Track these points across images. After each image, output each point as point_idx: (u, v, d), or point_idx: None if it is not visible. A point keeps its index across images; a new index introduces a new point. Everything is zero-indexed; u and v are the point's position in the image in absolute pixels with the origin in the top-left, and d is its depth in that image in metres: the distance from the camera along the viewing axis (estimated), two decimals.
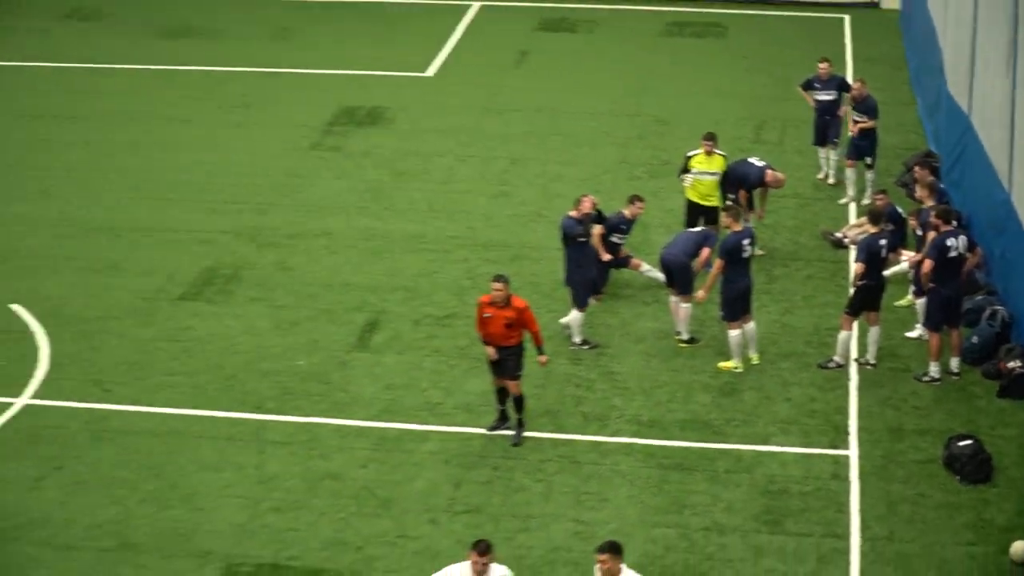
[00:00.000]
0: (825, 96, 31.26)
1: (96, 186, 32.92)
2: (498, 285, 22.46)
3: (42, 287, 28.56)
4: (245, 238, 30.35)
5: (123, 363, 25.97)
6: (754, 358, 25.39)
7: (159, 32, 42.62)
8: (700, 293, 25.41)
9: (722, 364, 25.33)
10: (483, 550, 17.22)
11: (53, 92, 38.40)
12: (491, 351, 22.67)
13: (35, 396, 25.00)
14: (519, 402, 23.09)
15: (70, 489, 22.57)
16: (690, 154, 28.81)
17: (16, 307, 27.82)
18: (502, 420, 23.43)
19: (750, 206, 27.96)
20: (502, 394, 23.19)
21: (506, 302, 22.49)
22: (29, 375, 25.59)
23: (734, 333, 25.06)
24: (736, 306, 24.96)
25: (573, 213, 25.86)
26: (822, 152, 31.92)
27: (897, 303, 26.61)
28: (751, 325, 25.25)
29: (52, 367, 25.85)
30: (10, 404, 24.71)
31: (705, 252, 25.60)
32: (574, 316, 25.81)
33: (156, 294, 28.25)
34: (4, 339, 26.79)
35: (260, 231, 30.61)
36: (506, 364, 22.77)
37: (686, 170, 28.67)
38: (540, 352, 23.18)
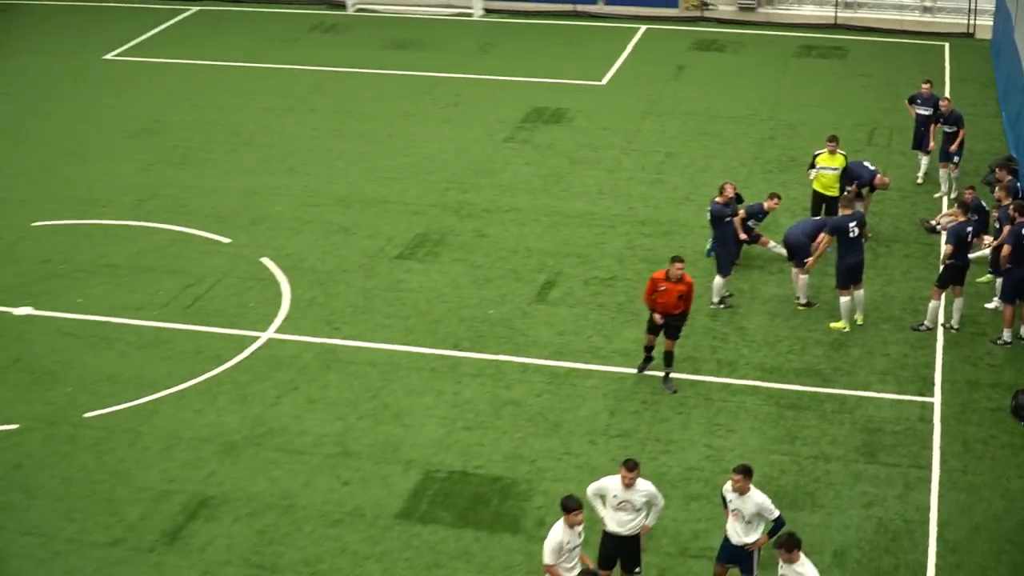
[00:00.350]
0: (924, 111, 30.77)
1: (333, 165, 33.27)
2: (680, 265, 22.44)
3: (287, 245, 28.94)
4: (450, 211, 30.49)
5: (349, 307, 26.32)
6: (859, 319, 25.17)
7: (386, 44, 42.96)
8: (808, 260, 25.32)
9: (833, 324, 25.12)
10: (631, 466, 17.32)
11: (300, 90, 38.87)
12: (658, 317, 22.60)
13: (278, 331, 25.45)
14: (670, 356, 23.08)
15: (303, 406, 23.04)
16: (817, 152, 28.51)
17: (265, 260, 28.24)
18: (647, 362, 23.45)
19: (859, 197, 27.62)
20: (670, 356, 23.16)
21: (681, 278, 22.44)
22: (273, 315, 26.04)
23: (844, 299, 24.87)
24: (846, 277, 24.78)
25: (719, 199, 25.91)
26: (919, 156, 31.44)
27: (978, 279, 26.12)
28: (860, 292, 25.06)
29: (292, 309, 26.26)
30: (258, 337, 25.23)
31: (821, 240, 25.38)
32: (717, 281, 25.77)
33: (377, 253, 28.51)
34: (255, 285, 27.23)
35: (463, 205, 30.75)
36: (670, 328, 22.73)
37: (812, 165, 28.44)
38: (684, 316, 23.20)
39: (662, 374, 23.31)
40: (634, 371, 23.71)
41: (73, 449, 22.02)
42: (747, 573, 17.62)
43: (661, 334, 23.00)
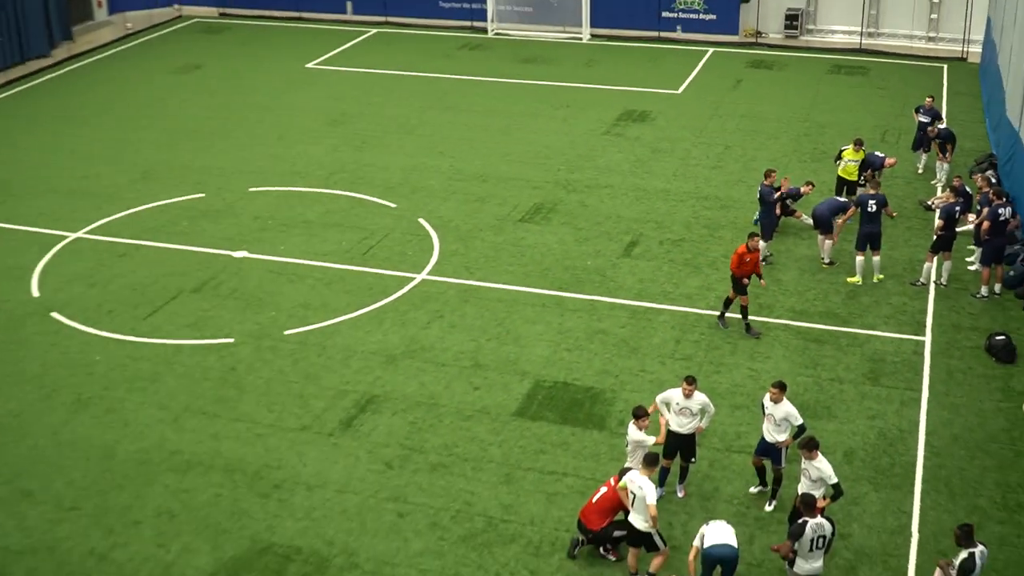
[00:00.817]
0: (924, 119, 30.00)
1: (474, 151, 33.19)
2: (757, 238, 22.49)
3: (437, 209, 28.96)
4: (560, 186, 30.29)
5: (482, 257, 26.32)
6: (878, 278, 24.78)
7: (516, 59, 42.67)
8: (839, 221, 25.24)
9: (849, 279, 24.71)
10: (691, 381, 17.44)
11: (450, 93, 38.80)
12: (747, 280, 22.32)
13: (429, 274, 25.52)
14: (746, 310, 22.76)
15: (446, 330, 23.22)
16: (843, 148, 28.20)
17: (421, 220, 28.30)
18: (724, 314, 23.15)
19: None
20: (729, 302, 22.86)
21: (756, 248, 22.29)
22: (426, 261, 26.11)
23: (859, 259, 24.58)
24: (863, 242, 24.54)
25: (766, 182, 25.73)
26: (919, 153, 30.76)
27: (968, 247, 25.65)
28: (877, 258, 24.76)
29: (440, 257, 26.31)
30: (414, 278, 25.31)
31: (850, 211, 25.03)
32: (762, 244, 25.29)
33: (505, 217, 28.45)
34: (413, 239, 27.29)
35: (570, 182, 30.53)
36: (747, 287, 22.45)
37: (839, 157, 28.07)
38: (761, 278, 22.85)
39: (732, 322, 23.07)
40: (696, 311, 23.53)
41: (274, 357, 22.35)
42: (777, 464, 17.71)
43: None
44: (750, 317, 22.91)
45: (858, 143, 27.83)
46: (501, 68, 41.81)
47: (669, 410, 17.77)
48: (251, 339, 23.03)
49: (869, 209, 24.42)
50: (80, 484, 18.88)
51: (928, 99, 30.82)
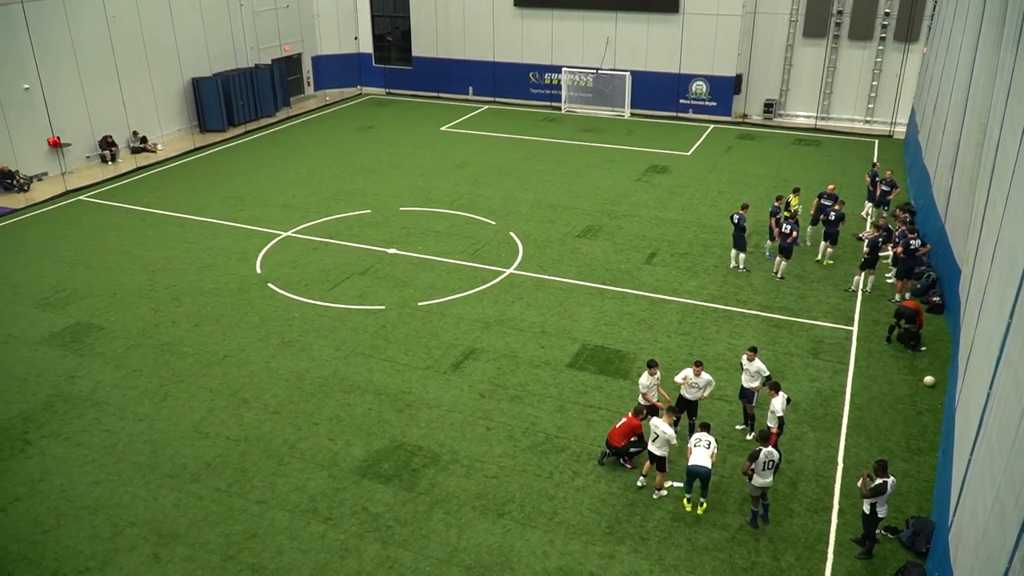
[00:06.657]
0: (885, 187, 28.44)
1: (549, 188, 32.75)
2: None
3: (522, 226, 28.57)
4: (605, 215, 29.77)
5: (551, 260, 25.91)
6: (828, 262, 24.10)
7: (580, 129, 42.14)
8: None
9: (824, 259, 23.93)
10: (699, 364, 17.36)
11: (535, 150, 38.48)
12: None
13: (515, 269, 25.16)
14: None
15: (524, 307, 22.86)
16: (788, 199, 26.83)
17: (511, 233, 27.96)
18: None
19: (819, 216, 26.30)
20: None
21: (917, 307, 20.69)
22: (513, 260, 25.77)
23: (826, 248, 23.66)
24: (826, 241, 23.63)
25: (742, 212, 24.93)
26: (868, 204, 29.41)
27: (885, 262, 24.69)
28: (832, 250, 24.19)
29: (522, 258, 25.93)
30: (504, 271, 24.98)
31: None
32: (741, 256, 24.71)
33: (567, 233, 28.00)
34: (505, 246, 26.92)
35: (612, 212, 29.98)
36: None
37: (788, 205, 26.75)
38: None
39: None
40: (694, 302, 22.94)
41: (411, 320, 22.25)
42: (750, 403, 17.26)
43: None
44: (754, 312, 22.34)
45: (796, 190, 26.93)
46: (569, 134, 41.26)
47: (684, 382, 17.28)
48: (396, 307, 22.96)
49: (830, 217, 23.98)
50: (280, 397, 18.99)
51: (877, 163, 29.65)
